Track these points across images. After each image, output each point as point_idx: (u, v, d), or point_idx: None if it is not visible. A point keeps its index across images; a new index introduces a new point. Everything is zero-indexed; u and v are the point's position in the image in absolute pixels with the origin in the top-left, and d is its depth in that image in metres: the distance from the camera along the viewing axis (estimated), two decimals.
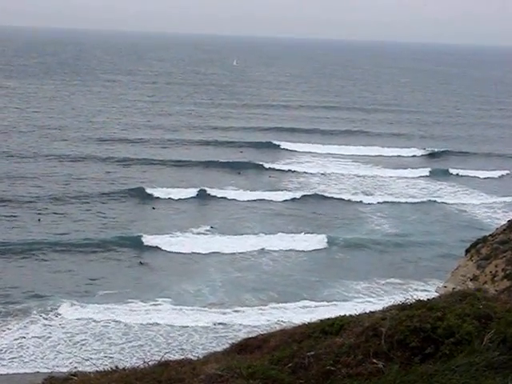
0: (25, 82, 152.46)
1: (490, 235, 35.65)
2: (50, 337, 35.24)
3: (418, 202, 68.24)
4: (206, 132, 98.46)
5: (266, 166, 79.36)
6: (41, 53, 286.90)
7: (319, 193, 69.11)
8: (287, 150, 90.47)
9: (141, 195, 63.08)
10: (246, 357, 9.74)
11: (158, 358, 10.94)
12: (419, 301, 9.78)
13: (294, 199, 65.96)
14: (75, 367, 27.40)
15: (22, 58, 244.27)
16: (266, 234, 54.38)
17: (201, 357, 11.26)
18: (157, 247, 49.95)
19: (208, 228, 55.40)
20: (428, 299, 10.09)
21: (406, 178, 79.55)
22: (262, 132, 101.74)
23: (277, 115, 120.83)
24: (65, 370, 27.86)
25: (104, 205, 59.79)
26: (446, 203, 68.37)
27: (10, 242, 48.28)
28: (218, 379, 8.58)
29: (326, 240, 53.78)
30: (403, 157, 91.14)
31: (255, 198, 64.97)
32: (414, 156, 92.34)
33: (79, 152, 78.93)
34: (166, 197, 63.25)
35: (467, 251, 35.45)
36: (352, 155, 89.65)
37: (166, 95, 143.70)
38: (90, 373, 10.47)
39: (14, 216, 54.91)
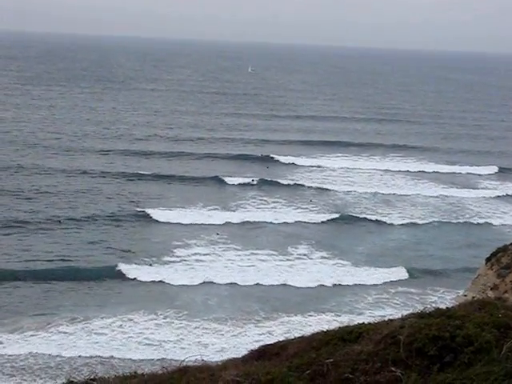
0: (47, 89, 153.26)
1: (511, 244, 35.33)
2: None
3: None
4: (230, 144, 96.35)
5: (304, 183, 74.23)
6: (63, 59, 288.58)
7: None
8: (337, 167, 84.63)
9: (147, 217, 58.19)
10: (265, 363, 9.77)
11: (177, 364, 10.99)
12: (438, 309, 9.77)
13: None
14: (94, 371, 27.54)
15: (43, 64, 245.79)
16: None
17: (219, 363, 11.29)
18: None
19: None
20: (447, 308, 10.07)
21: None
22: (293, 145, 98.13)
23: (320, 126, 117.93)
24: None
25: (101, 227, 55.21)
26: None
27: None
28: None
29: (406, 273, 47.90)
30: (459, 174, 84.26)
31: (281, 221, 59.22)
32: (479, 174, 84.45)
33: (94, 165, 76.56)
34: (176, 221, 57.80)
35: (488, 260, 35.14)
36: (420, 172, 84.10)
37: (189, 103, 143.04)
38: (108, 377, 10.55)
39: None
